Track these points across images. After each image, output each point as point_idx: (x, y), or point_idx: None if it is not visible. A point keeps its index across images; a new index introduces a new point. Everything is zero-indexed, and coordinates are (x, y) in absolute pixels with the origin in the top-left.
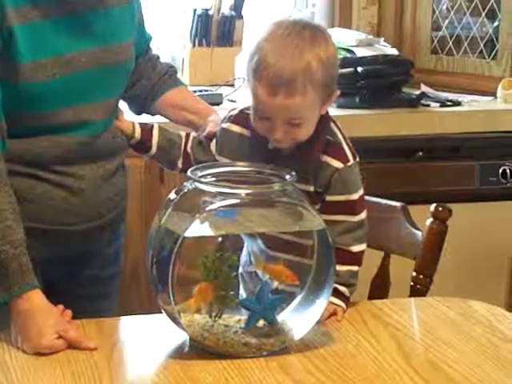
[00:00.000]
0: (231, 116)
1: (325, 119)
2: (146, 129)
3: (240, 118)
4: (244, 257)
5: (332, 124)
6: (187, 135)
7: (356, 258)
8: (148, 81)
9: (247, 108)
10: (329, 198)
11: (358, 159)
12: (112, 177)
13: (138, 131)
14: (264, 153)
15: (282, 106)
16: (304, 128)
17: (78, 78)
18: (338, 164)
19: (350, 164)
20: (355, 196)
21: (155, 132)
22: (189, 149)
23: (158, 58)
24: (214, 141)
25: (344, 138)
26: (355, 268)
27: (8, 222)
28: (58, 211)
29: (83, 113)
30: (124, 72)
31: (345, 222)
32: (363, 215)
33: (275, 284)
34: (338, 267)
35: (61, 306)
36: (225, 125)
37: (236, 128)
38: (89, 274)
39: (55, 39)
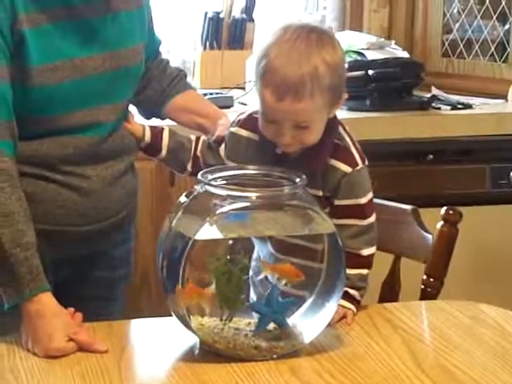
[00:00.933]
0: (240, 120)
1: (333, 123)
2: (156, 132)
3: (248, 121)
4: (254, 261)
5: (340, 128)
6: (197, 138)
7: (366, 262)
8: (158, 85)
9: (255, 112)
10: (337, 202)
11: (366, 163)
12: (121, 178)
13: (148, 134)
14: (272, 157)
15: (290, 110)
16: (312, 132)
17: (88, 82)
18: (346, 168)
19: (358, 168)
20: (364, 200)
21: (165, 135)
22: (198, 152)
23: (168, 62)
24: (223, 145)
25: (352, 141)
26: (365, 271)
27: (19, 225)
28: (66, 212)
29: (92, 116)
30: (133, 76)
31: (354, 226)
32: (372, 219)
33: (283, 282)
34: (348, 271)
35: (71, 309)
36: (233, 129)
37: (244, 132)
38: (96, 275)
39: (64, 44)
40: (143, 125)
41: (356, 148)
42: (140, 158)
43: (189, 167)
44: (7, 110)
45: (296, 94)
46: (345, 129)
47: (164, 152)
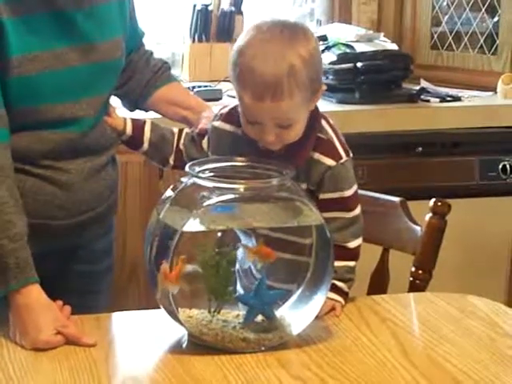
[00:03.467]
0: (222, 114)
1: (315, 116)
2: (138, 124)
3: (231, 115)
4: (241, 254)
5: (323, 121)
6: (180, 131)
7: (353, 254)
8: (141, 76)
9: (238, 105)
10: (322, 195)
11: (351, 155)
12: (101, 171)
13: (130, 127)
14: (255, 151)
15: (270, 110)
16: (294, 129)
17: (67, 73)
18: (330, 162)
19: (342, 161)
20: (349, 192)
21: (147, 128)
22: (181, 145)
23: (152, 53)
24: (206, 138)
25: (336, 134)
26: (352, 263)
27: (8, 216)
28: (47, 205)
29: (72, 109)
30: (114, 69)
31: (339, 219)
32: (358, 211)
33: (259, 265)
34: (336, 263)
35: (60, 302)
36: (216, 123)
37: (227, 126)
38: (78, 269)
39: (43, 35)
40: (124, 118)
41: (340, 141)
42: (128, 151)
43: (171, 160)
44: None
45: (275, 94)
46: (328, 121)
47: (146, 145)
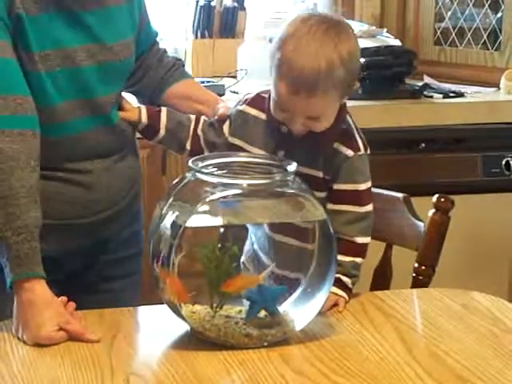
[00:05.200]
0: (247, 99)
1: (341, 108)
2: (153, 112)
3: (256, 101)
4: (248, 246)
5: (347, 114)
6: (197, 118)
7: (359, 250)
8: (155, 73)
9: (263, 92)
10: (336, 186)
11: (369, 151)
12: (121, 166)
13: (145, 116)
14: (277, 137)
15: (303, 104)
16: (323, 122)
17: (79, 72)
18: (348, 152)
19: (360, 153)
20: (362, 186)
21: (163, 115)
22: (199, 131)
23: (165, 51)
24: (228, 122)
25: (356, 128)
26: (358, 259)
27: (14, 207)
28: (71, 206)
29: (83, 108)
30: (123, 70)
31: (350, 213)
32: (369, 207)
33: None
34: (342, 257)
35: (64, 298)
36: (241, 107)
37: (252, 111)
38: (105, 259)
39: (56, 33)
40: (139, 107)
41: (359, 135)
42: None
43: (188, 146)
44: (26, 85)
45: (310, 90)
46: (350, 115)
47: (163, 132)
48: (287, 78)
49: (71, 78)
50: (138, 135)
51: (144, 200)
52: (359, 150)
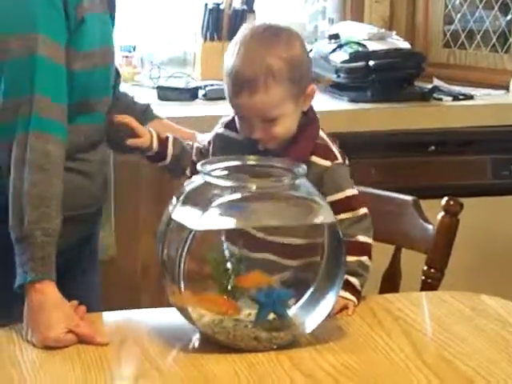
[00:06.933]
0: (223, 122)
1: (311, 119)
2: (162, 139)
3: (232, 123)
4: (256, 249)
5: (320, 131)
6: (191, 145)
7: (363, 247)
8: (132, 113)
9: None
10: (327, 199)
11: (347, 163)
12: (109, 158)
13: (156, 143)
14: (255, 154)
15: (250, 104)
16: (281, 124)
17: (105, 71)
18: (326, 163)
19: (337, 162)
20: (351, 191)
21: (170, 143)
22: (194, 157)
23: (133, 97)
24: (210, 148)
25: (332, 142)
26: (364, 258)
27: (48, 209)
28: (80, 196)
29: (99, 104)
30: (113, 73)
31: (346, 219)
32: (364, 210)
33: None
34: (347, 258)
35: (75, 302)
36: (219, 130)
37: (229, 133)
38: (93, 247)
39: (102, 32)
40: (150, 132)
41: (336, 147)
42: None
43: (188, 172)
44: (66, 94)
45: (251, 87)
46: (324, 132)
47: (169, 159)
48: (230, 81)
49: (101, 77)
50: None
51: (152, 203)
52: (336, 158)
